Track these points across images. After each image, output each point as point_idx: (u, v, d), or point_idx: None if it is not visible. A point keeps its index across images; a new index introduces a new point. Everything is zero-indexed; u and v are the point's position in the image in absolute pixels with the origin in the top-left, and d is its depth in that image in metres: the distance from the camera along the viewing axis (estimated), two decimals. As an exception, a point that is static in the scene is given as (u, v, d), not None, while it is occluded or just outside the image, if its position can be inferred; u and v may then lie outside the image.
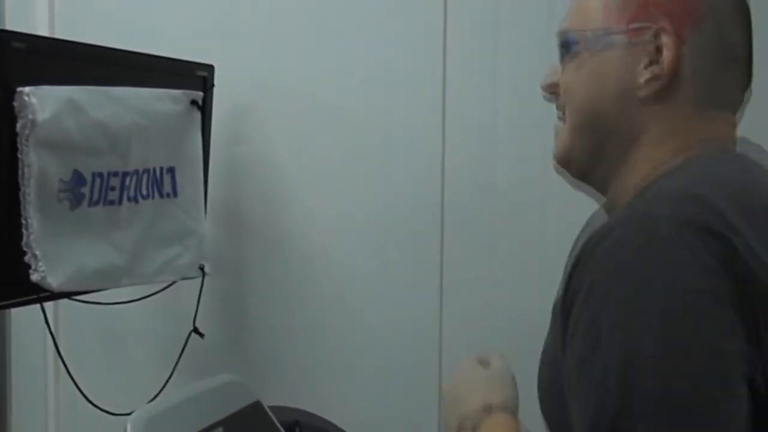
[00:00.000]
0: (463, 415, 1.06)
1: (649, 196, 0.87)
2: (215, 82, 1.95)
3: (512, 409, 1.09)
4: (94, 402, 1.73)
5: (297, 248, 2.06)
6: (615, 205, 1.01)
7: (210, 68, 1.93)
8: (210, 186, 1.97)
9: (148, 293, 1.92)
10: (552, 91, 1.05)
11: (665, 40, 0.92)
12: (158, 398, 1.79)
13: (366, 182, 2.00)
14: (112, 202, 1.70)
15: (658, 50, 0.92)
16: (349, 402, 1.99)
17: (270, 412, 1.64)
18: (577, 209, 1.78)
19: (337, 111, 2.01)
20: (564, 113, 1.03)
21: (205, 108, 1.92)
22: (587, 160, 1.01)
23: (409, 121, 1.95)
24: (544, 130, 1.89)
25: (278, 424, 1.63)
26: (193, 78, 1.90)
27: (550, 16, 1.82)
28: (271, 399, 1.73)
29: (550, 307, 1.81)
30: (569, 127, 1.01)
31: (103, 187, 1.67)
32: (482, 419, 1.05)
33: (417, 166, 1.95)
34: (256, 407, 1.63)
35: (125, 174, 1.71)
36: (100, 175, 1.65)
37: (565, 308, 0.83)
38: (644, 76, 0.93)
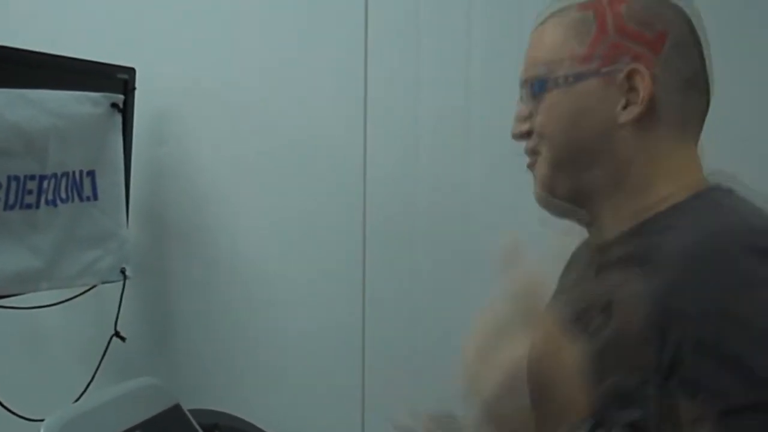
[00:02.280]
0: None
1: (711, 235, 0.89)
2: (137, 85, 1.94)
3: None
4: (12, 407, 1.70)
5: (220, 251, 2.07)
6: (606, 234, 1.02)
7: (131, 71, 1.93)
8: (132, 189, 1.97)
9: (68, 297, 1.90)
10: (522, 137, 1.06)
11: (638, 79, 0.97)
12: (76, 403, 1.77)
13: (289, 184, 2.01)
14: (29, 206, 1.68)
15: (632, 89, 0.97)
16: (272, 404, 2.00)
17: (190, 415, 1.63)
18: (496, 212, 1.84)
19: (259, 113, 2.02)
20: (534, 156, 1.05)
21: (126, 111, 1.91)
22: (572, 195, 1.03)
23: (332, 124, 1.97)
24: (466, 134, 1.96)
25: (198, 427, 1.62)
26: (114, 81, 1.89)
27: (470, 21, 1.86)
28: (192, 402, 1.73)
29: (474, 307, 1.85)
30: (549, 162, 1.03)
31: (20, 191, 1.65)
32: None
33: (339, 168, 1.97)
34: (176, 410, 1.62)
35: (43, 177, 1.70)
36: (16, 178, 1.64)
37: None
38: (622, 115, 0.98)
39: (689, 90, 1.00)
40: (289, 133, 2.00)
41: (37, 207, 1.70)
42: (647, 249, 0.93)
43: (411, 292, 1.95)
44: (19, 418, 1.70)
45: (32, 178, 1.67)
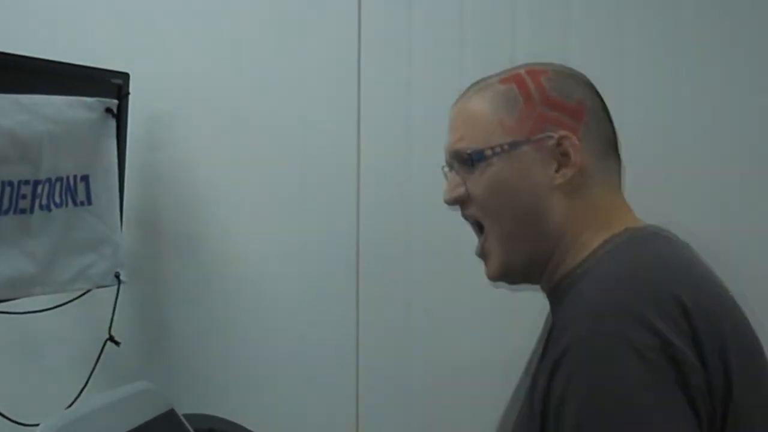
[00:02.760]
0: None
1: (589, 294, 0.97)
2: (131, 90, 1.94)
3: None
4: (6, 413, 1.70)
5: (214, 255, 2.07)
6: (553, 290, 1.09)
7: (125, 76, 1.93)
8: (126, 194, 1.97)
9: (62, 302, 1.90)
10: (458, 203, 1.13)
11: (568, 144, 1.05)
12: (70, 408, 1.77)
13: (283, 189, 2.01)
14: (23, 211, 1.68)
15: (563, 154, 1.06)
16: (266, 409, 2.00)
17: (184, 420, 1.64)
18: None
19: (253, 118, 2.02)
20: (475, 221, 1.12)
21: (120, 115, 1.90)
22: (525, 262, 1.10)
23: (325, 128, 1.98)
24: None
25: (192, 432, 1.63)
26: (108, 86, 1.89)
27: (462, 22, 1.86)
28: (187, 407, 1.73)
29: (465, 309, 1.86)
30: (497, 238, 1.10)
31: (14, 196, 1.65)
32: None
33: (333, 173, 1.98)
34: (171, 415, 1.63)
35: (37, 182, 1.70)
36: (10, 183, 1.63)
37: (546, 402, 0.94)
38: (556, 177, 1.06)
39: (608, 151, 1.10)
40: (282, 137, 2.01)
41: (31, 212, 1.70)
42: (554, 318, 1.04)
43: (405, 295, 1.95)
44: (13, 423, 1.70)
45: (26, 183, 1.67)
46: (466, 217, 1.13)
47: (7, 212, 1.64)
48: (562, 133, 1.05)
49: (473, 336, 1.89)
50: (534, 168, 1.06)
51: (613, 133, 1.12)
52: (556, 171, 1.06)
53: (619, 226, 1.05)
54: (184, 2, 2.07)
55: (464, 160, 1.10)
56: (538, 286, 1.14)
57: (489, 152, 1.07)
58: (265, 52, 2.01)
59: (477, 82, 1.14)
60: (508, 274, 1.12)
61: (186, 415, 1.66)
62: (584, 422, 0.89)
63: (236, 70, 2.02)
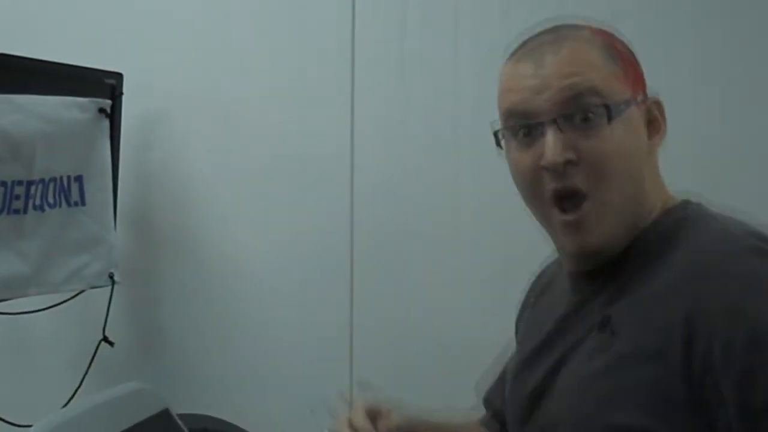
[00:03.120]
0: None
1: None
2: (124, 90, 1.94)
3: None
4: (0, 413, 1.70)
5: (208, 255, 2.07)
6: (598, 258, 0.97)
7: (119, 76, 1.93)
8: (120, 194, 1.97)
9: (56, 302, 1.90)
10: (567, 166, 0.93)
11: (658, 109, 0.99)
12: (64, 408, 1.77)
13: (277, 188, 2.01)
14: (16, 211, 1.68)
15: (654, 120, 0.98)
16: (260, 408, 2.00)
17: (179, 420, 1.63)
18: (486, 210, 1.84)
19: (247, 117, 2.02)
20: (574, 191, 0.94)
21: (113, 116, 1.91)
22: (625, 233, 0.96)
23: (319, 127, 1.98)
24: (453, 130, 1.95)
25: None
26: (102, 86, 1.89)
27: (457, 25, 1.86)
28: (181, 406, 1.72)
29: (460, 306, 1.86)
30: (609, 209, 0.94)
31: (7, 196, 1.65)
32: None
33: (327, 172, 1.98)
34: (165, 415, 1.62)
35: (30, 182, 1.70)
36: (4, 183, 1.64)
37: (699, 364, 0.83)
38: (652, 145, 0.98)
39: None
40: (276, 137, 2.01)
41: (25, 212, 1.70)
42: (650, 265, 0.93)
43: (399, 294, 1.95)
44: (7, 423, 1.70)
45: (19, 183, 1.68)
46: (559, 189, 0.94)
47: (0, 212, 1.64)
48: (653, 97, 0.99)
49: (468, 330, 1.88)
50: (639, 131, 0.96)
51: None
52: (650, 137, 0.97)
53: (669, 196, 1.00)
54: (178, 3, 2.07)
55: (596, 112, 0.93)
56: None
57: (622, 107, 0.93)
58: (258, 51, 2.01)
59: (560, 28, 0.99)
60: (606, 248, 0.96)
61: (180, 415, 1.65)
62: None
63: (229, 70, 2.02)
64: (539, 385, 1.01)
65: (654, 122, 0.98)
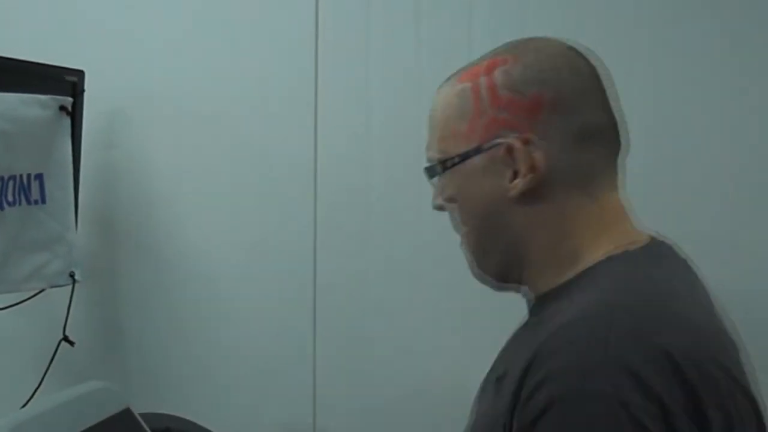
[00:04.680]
0: None
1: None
2: (86, 87, 1.92)
3: None
4: (-43, 414, 1.68)
5: (169, 253, 2.06)
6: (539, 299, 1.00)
7: (80, 73, 1.91)
8: (81, 192, 1.95)
9: (16, 301, 1.88)
10: (441, 210, 1.06)
11: (516, 153, 0.95)
12: (24, 407, 1.76)
13: (240, 185, 2.01)
14: (-25, 209, 1.66)
15: (515, 160, 0.95)
16: (223, 407, 2.00)
17: (140, 419, 1.63)
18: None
19: (209, 115, 2.02)
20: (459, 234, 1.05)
21: (75, 113, 1.89)
22: (499, 266, 1.02)
23: (283, 123, 1.98)
24: (417, 131, 1.95)
25: (148, 431, 1.62)
26: (63, 83, 1.87)
27: (419, 19, 1.87)
28: (143, 406, 1.72)
29: (418, 304, 1.87)
30: (468, 244, 1.04)
31: (-34, 194, 1.64)
32: None
33: (291, 171, 1.98)
34: (127, 414, 1.61)
35: (-11, 180, 1.68)
36: (-38, 181, 1.62)
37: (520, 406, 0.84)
38: (511, 189, 0.96)
39: (583, 143, 0.96)
40: (239, 135, 2.01)
41: (-16, 210, 1.68)
42: (539, 322, 0.94)
43: (362, 294, 1.96)
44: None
45: (-21, 181, 1.66)
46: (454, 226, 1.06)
47: (-42, 211, 1.62)
48: (509, 141, 0.95)
49: (432, 332, 1.90)
50: (487, 180, 0.97)
51: (602, 113, 0.99)
52: (512, 180, 0.96)
53: (612, 239, 0.96)
54: (141, 0, 2.06)
55: (429, 172, 1.04)
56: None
57: (440, 168, 1.01)
58: (221, 48, 2.01)
59: (450, 76, 1.04)
60: (485, 280, 1.05)
61: (142, 414, 1.65)
62: None
63: (192, 67, 2.02)
64: None
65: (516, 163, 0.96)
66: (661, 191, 1.72)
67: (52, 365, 1.91)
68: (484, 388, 1.03)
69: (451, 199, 1.03)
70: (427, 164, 1.03)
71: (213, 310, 2.04)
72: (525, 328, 1.01)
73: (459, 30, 1.84)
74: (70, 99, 1.87)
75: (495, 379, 0.96)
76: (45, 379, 1.89)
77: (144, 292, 2.08)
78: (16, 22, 2.08)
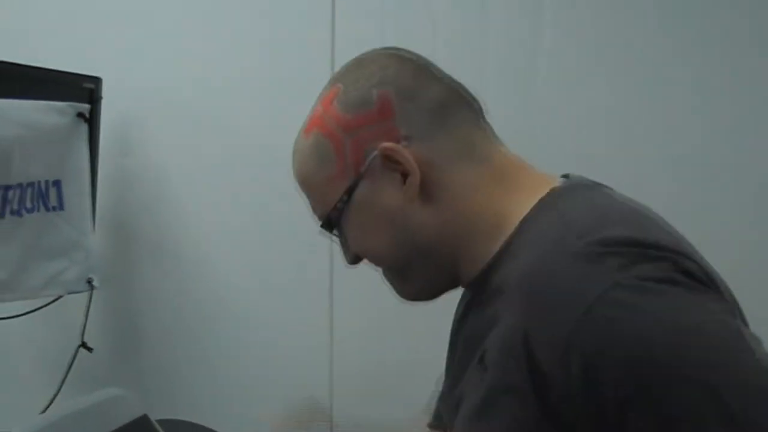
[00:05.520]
0: None
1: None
2: (103, 94, 1.93)
3: None
4: (-24, 420, 1.69)
5: (187, 260, 2.06)
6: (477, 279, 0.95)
7: (97, 80, 1.92)
8: (98, 198, 1.96)
9: (34, 307, 1.89)
10: (358, 262, 1.02)
11: (394, 152, 0.92)
12: (42, 414, 1.76)
13: (255, 191, 2.01)
14: (-6, 216, 1.67)
15: (396, 163, 0.92)
16: (240, 415, 1.99)
17: (158, 426, 1.63)
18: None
19: (225, 121, 2.02)
20: (394, 271, 1.01)
21: (92, 120, 1.90)
22: (428, 282, 0.99)
23: (296, 131, 1.97)
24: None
25: (165, 438, 1.62)
26: (80, 90, 1.88)
27: (433, 24, 1.87)
28: (160, 412, 1.72)
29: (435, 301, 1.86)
30: (392, 278, 1.01)
31: (-16, 201, 1.64)
32: None
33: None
34: (144, 421, 1.61)
35: (7, 187, 1.69)
36: (-20, 188, 1.63)
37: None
38: (408, 192, 0.92)
39: (445, 116, 0.94)
40: (255, 141, 2.00)
41: (2, 217, 1.69)
42: (492, 292, 0.89)
43: (380, 296, 1.94)
44: (-17, 431, 1.68)
45: (-3, 188, 1.66)
46: (384, 272, 1.02)
47: (-24, 218, 1.63)
48: (381, 147, 0.92)
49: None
50: (383, 197, 0.94)
51: (445, 85, 0.96)
52: (404, 182, 0.92)
53: (528, 188, 0.91)
54: (156, 7, 2.06)
55: (326, 229, 1.00)
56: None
57: (334, 214, 0.97)
58: (237, 56, 2.01)
59: (296, 138, 1.04)
60: (421, 299, 1.01)
61: (159, 421, 1.65)
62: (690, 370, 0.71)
63: (208, 75, 2.02)
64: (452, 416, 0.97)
65: (398, 164, 0.92)
66: (661, 191, 1.71)
67: (70, 372, 1.91)
68: (467, 376, 0.94)
69: (360, 245, 0.98)
70: (319, 223, 1.00)
71: (231, 316, 2.04)
72: (475, 305, 0.96)
73: (473, 31, 1.83)
74: (88, 106, 1.88)
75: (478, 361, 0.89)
76: (63, 385, 1.90)
77: (161, 298, 2.08)
78: (35, 30, 2.09)
